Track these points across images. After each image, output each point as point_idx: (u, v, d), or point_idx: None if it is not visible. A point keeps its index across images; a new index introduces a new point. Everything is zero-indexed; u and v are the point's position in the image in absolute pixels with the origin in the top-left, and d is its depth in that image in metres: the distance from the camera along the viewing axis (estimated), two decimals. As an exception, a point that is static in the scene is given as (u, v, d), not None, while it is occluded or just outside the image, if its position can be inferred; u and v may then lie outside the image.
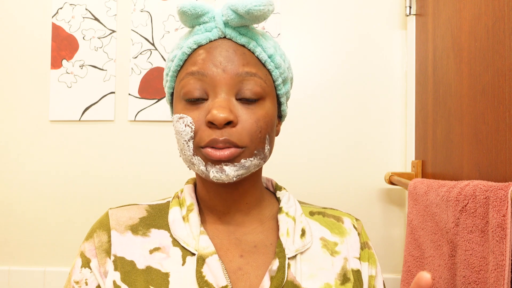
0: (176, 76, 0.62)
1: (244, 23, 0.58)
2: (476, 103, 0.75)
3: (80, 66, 1.18)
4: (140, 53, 1.17)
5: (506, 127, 0.65)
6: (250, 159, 0.57)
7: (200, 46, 0.59)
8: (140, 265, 0.58)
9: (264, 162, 0.61)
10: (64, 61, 1.18)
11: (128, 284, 0.56)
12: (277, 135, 0.68)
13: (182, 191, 0.66)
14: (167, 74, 0.64)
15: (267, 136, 0.59)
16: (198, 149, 0.57)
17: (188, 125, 0.57)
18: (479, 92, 0.74)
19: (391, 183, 1.06)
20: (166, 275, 0.57)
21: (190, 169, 0.66)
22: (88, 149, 1.17)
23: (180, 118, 0.58)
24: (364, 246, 0.66)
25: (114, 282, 0.57)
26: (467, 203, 0.65)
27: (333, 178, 1.15)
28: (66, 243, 1.16)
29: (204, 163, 0.57)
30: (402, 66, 1.16)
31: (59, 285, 1.14)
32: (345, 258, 0.63)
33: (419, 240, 0.84)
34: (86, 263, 0.59)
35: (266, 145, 0.59)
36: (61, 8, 1.19)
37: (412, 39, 1.10)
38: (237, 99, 0.58)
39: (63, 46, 1.18)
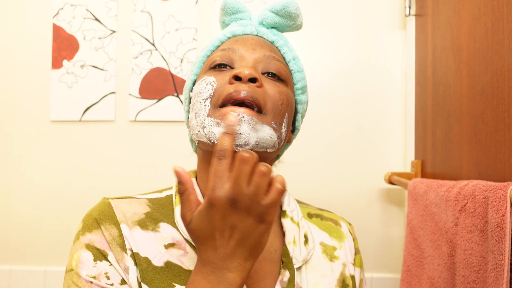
0: (204, 62, 0.62)
1: (278, 22, 0.62)
2: (475, 103, 0.75)
3: (80, 66, 1.18)
4: (141, 53, 1.18)
5: (505, 127, 0.65)
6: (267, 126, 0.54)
7: (234, 36, 0.63)
8: (157, 261, 0.54)
9: (278, 148, 0.57)
10: (64, 61, 1.18)
11: (147, 283, 0.53)
12: (288, 141, 0.67)
13: None
14: (195, 63, 0.64)
15: (286, 115, 0.57)
16: (215, 109, 0.54)
17: (209, 83, 0.56)
18: (478, 92, 0.74)
19: (391, 183, 1.06)
20: (190, 272, 0.54)
21: (195, 142, 0.58)
22: (89, 149, 1.18)
23: (202, 80, 0.57)
24: (357, 251, 0.69)
25: (137, 278, 0.53)
26: (466, 202, 0.65)
27: (333, 178, 1.16)
28: (67, 243, 1.16)
29: (216, 124, 0.53)
30: (401, 66, 1.16)
31: (60, 285, 1.14)
32: (344, 264, 0.64)
33: (419, 240, 0.84)
34: (101, 256, 0.53)
35: (283, 125, 0.57)
36: (61, 9, 1.19)
37: (411, 39, 1.11)
38: (262, 73, 0.58)
39: (64, 46, 1.18)
